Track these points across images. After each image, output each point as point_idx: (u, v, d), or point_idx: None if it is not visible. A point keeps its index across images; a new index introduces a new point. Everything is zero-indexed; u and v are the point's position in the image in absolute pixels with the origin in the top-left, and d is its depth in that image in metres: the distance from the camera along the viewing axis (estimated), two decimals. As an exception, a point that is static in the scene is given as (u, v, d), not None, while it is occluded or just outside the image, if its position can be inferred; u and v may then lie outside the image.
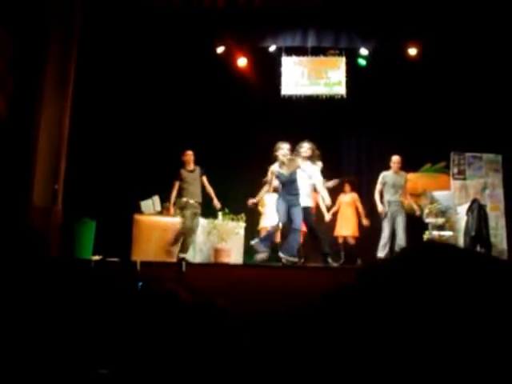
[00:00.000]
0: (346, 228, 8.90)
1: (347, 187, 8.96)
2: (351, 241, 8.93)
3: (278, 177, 7.30)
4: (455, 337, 0.67)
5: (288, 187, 7.17)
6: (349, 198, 8.94)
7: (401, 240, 7.66)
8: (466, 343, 0.67)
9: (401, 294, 0.73)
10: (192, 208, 7.68)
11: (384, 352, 0.70)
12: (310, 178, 7.37)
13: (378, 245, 7.79)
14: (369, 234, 8.91)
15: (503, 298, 0.70)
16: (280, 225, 7.37)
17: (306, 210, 7.29)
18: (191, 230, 7.67)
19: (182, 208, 7.72)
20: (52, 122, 7.53)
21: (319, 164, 7.75)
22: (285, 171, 7.18)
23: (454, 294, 0.70)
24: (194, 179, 7.84)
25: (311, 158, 7.61)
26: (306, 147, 7.64)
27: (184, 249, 7.55)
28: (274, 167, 7.29)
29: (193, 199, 7.73)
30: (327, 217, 8.29)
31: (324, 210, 8.13)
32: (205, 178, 7.92)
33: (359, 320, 0.74)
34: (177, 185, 7.81)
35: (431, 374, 0.67)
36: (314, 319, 0.80)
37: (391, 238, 7.77)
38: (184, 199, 7.72)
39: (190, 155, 7.95)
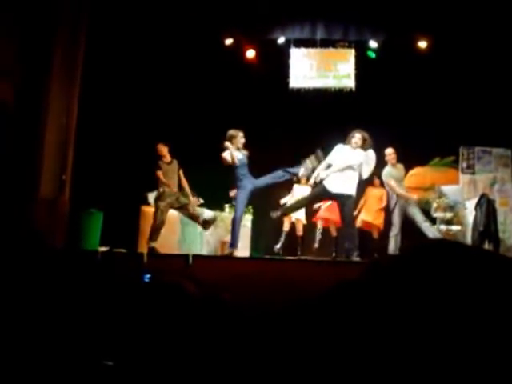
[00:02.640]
0: (372, 216, 8.42)
1: (376, 181, 8.39)
2: (375, 234, 8.52)
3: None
4: (458, 336, 0.66)
5: None
6: (377, 192, 8.50)
7: (428, 230, 7.52)
8: (470, 342, 0.66)
9: (406, 292, 0.71)
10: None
11: (383, 349, 0.69)
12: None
13: (389, 235, 7.69)
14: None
15: (509, 297, 0.68)
16: None
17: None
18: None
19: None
20: (60, 111, 7.52)
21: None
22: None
23: (460, 292, 0.69)
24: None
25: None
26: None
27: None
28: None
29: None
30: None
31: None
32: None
33: (362, 316, 0.73)
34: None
35: (434, 372, 0.65)
36: (314, 314, 0.79)
37: (401, 230, 7.69)
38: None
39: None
